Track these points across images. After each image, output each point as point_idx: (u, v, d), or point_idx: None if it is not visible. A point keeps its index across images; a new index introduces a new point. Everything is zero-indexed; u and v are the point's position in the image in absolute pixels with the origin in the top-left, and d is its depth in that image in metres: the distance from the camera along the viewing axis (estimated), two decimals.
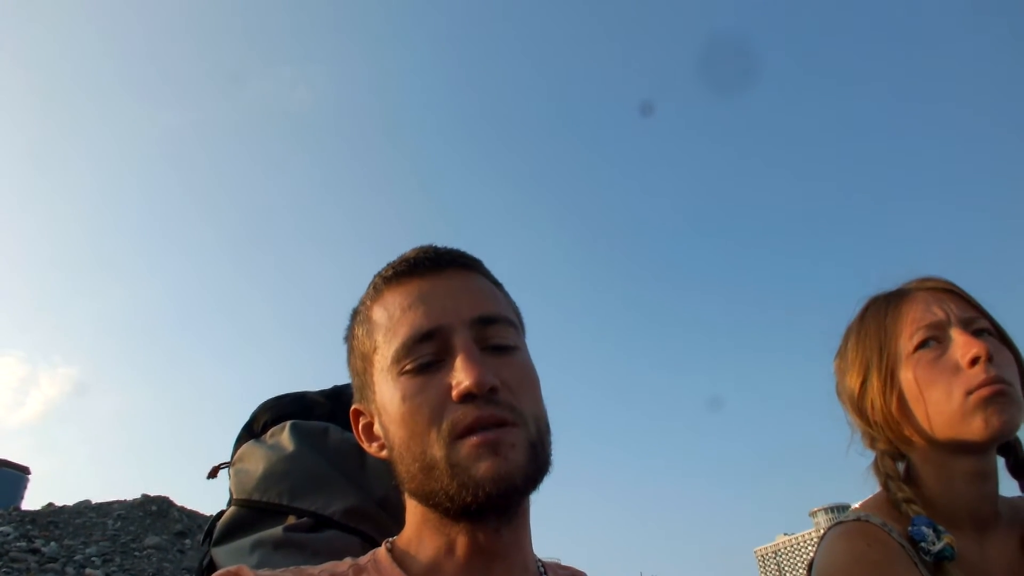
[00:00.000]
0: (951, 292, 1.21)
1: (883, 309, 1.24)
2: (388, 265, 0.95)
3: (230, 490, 1.22)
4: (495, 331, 0.88)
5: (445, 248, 0.95)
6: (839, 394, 1.33)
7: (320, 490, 1.14)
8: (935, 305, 1.18)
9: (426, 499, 0.85)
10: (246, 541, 1.11)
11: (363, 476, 1.17)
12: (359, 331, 0.95)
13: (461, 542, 0.84)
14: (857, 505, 1.25)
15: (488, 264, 1.00)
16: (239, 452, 1.25)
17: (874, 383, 1.21)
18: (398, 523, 0.95)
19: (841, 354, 1.32)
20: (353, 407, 0.97)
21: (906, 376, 1.18)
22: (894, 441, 1.22)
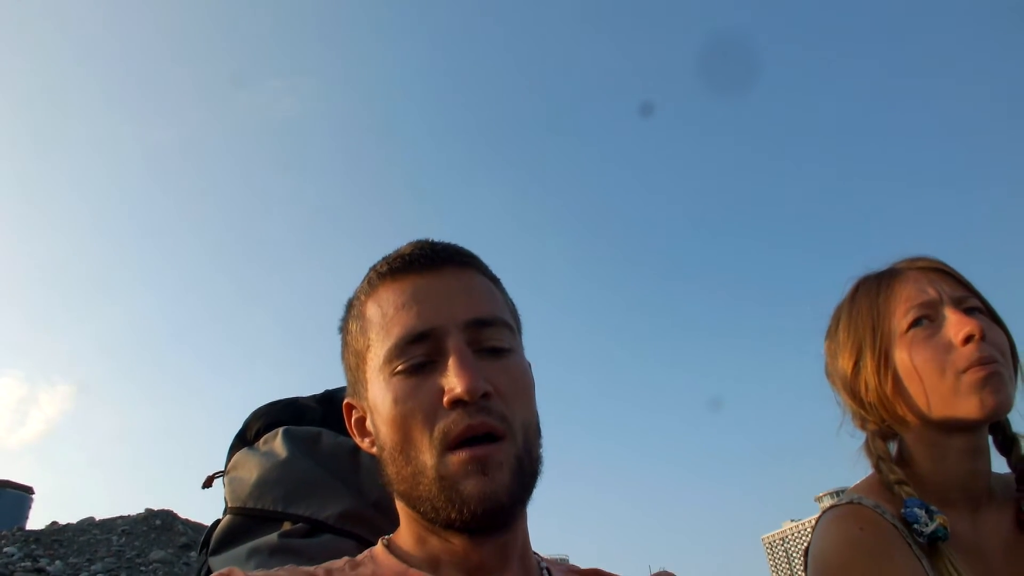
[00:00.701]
0: (941, 271, 1.21)
1: (874, 289, 1.24)
2: (383, 259, 0.94)
3: (225, 499, 1.22)
4: (490, 333, 0.87)
5: (442, 244, 0.94)
6: (829, 375, 1.33)
7: (314, 495, 1.14)
8: (927, 284, 1.19)
9: (413, 505, 0.85)
10: (242, 549, 1.10)
11: (357, 479, 1.17)
12: (353, 326, 0.95)
13: (456, 541, 0.85)
14: (850, 488, 1.26)
15: (487, 263, 0.99)
16: (232, 460, 1.25)
17: (868, 363, 1.21)
18: (393, 525, 0.96)
19: (831, 335, 1.32)
20: (346, 401, 0.97)
21: (900, 355, 1.18)
22: (888, 420, 1.22)
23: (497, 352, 0.87)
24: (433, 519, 0.83)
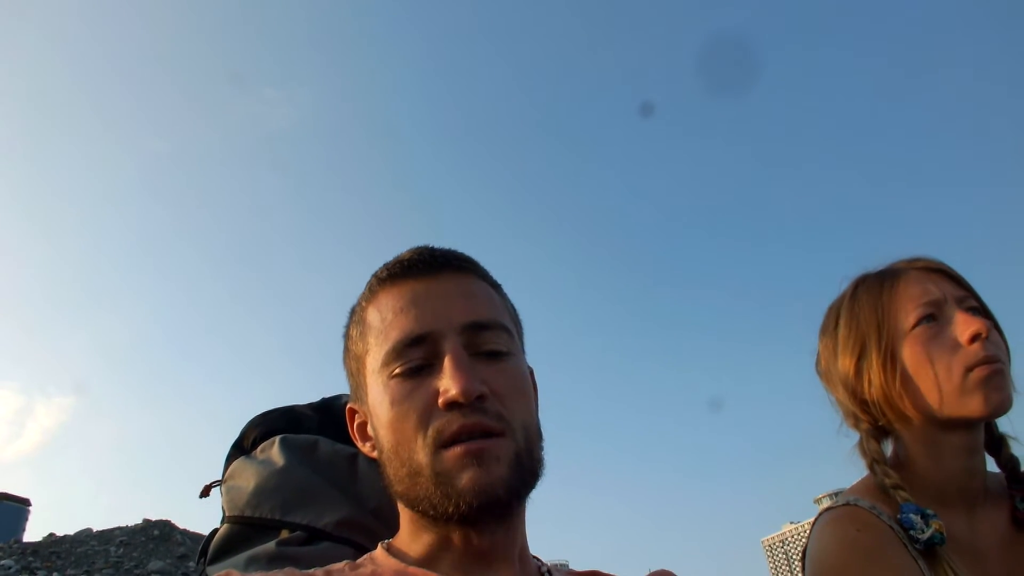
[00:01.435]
0: (942, 272, 1.22)
1: (877, 286, 1.24)
2: (383, 265, 0.95)
3: (223, 507, 1.22)
4: (487, 337, 0.88)
5: (441, 249, 0.95)
6: (823, 373, 1.33)
7: (312, 503, 1.14)
8: (930, 283, 1.20)
9: (412, 504, 0.86)
10: (240, 558, 1.10)
11: (355, 487, 1.17)
12: (354, 331, 0.96)
13: (456, 539, 0.86)
14: (847, 489, 1.26)
15: (487, 268, 0.99)
16: (230, 469, 1.25)
17: (873, 359, 1.21)
18: (391, 532, 0.96)
19: (828, 333, 1.31)
20: (348, 405, 0.98)
21: (907, 351, 1.18)
22: (889, 419, 1.22)
23: (495, 355, 0.88)
24: (432, 516, 0.83)
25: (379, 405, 0.87)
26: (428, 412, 0.83)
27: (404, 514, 0.91)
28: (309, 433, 1.26)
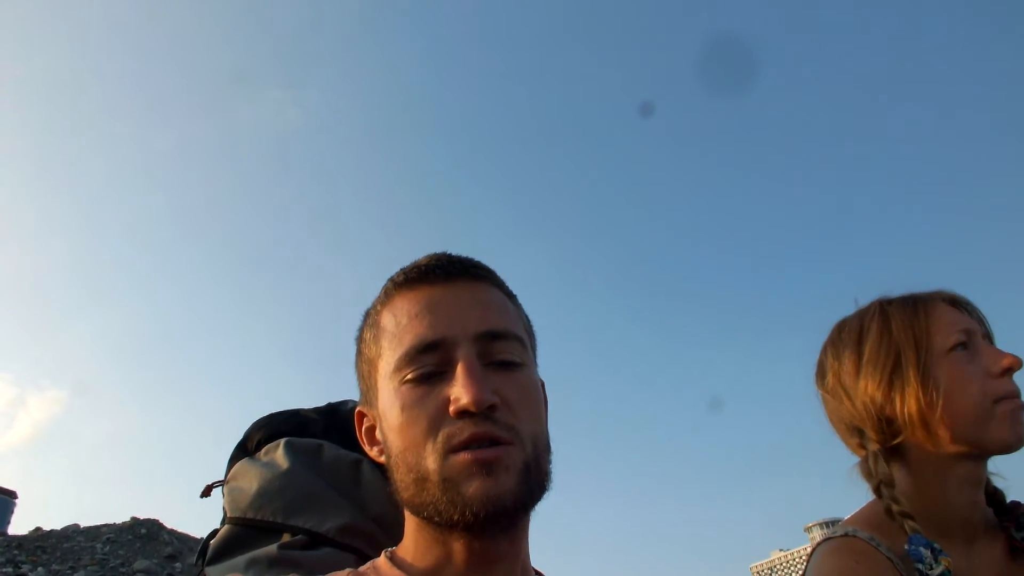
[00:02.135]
0: (967, 306, 1.24)
1: (911, 307, 1.24)
2: (400, 270, 0.95)
3: (224, 508, 1.21)
4: (501, 347, 0.88)
5: (458, 257, 0.95)
6: (829, 387, 1.30)
7: (315, 507, 1.14)
8: (962, 314, 1.22)
9: (418, 510, 0.85)
10: (240, 560, 1.10)
11: (358, 493, 1.16)
12: (367, 335, 0.96)
13: (458, 550, 0.85)
14: (845, 519, 1.25)
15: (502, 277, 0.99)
16: (233, 470, 1.24)
17: (910, 376, 1.19)
18: (393, 541, 0.96)
19: (847, 346, 1.27)
20: (358, 409, 0.98)
21: (944, 372, 1.18)
22: (918, 438, 1.18)
23: (507, 365, 0.88)
24: (438, 522, 0.83)
25: (389, 409, 0.87)
26: (439, 419, 0.83)
27: (409, 521, 0.90)
28: (314, 437, 1.26)
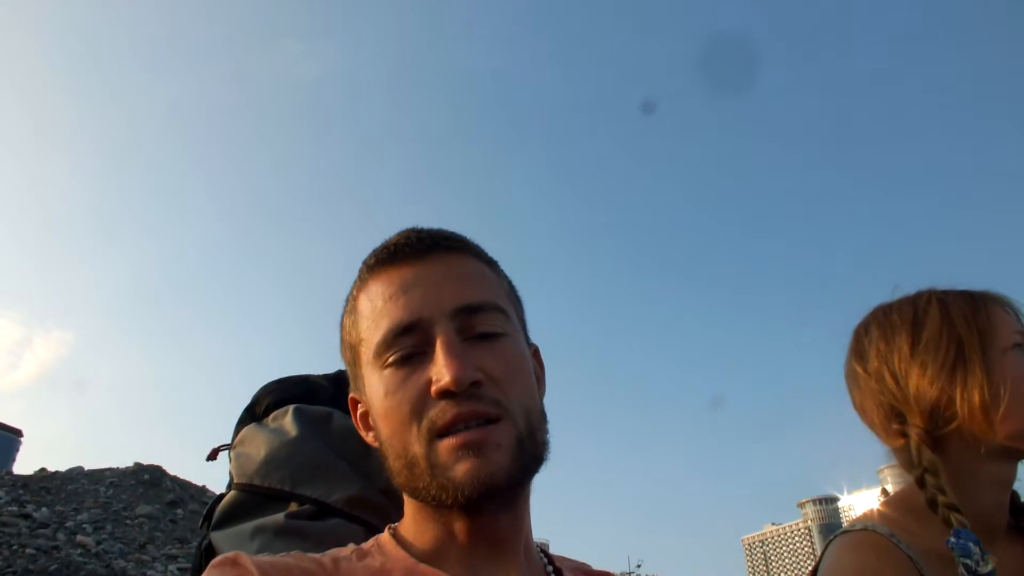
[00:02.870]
0: (1016, 310, 1.23)
1: (970, 301, 1.21)
2: (372, 252, 0.93)
3: (230, 473, 1.20)
4: (481, 319, 0.85)
5: (428, 231, 0.92)
6: (873, 371, 1.24)
7: (323, 477, 1.12)
8: (1011, 316, 1.21)
9: (413, 494, 0.84)
10: (247, 527, 1.09)
11: (367, 464, 1.14)
12: (347, 321, 0.94)
13: (460, 529, 0.84)
14: (863, 512, 1.23)
15: (500, 252, 0.96)
16: (240, 435, 1.23)
17: (975, 366, 1.16)
18: (401, 512, 0.94)
19: (898, 331, 1.23)
20: (351, 395, 0.96)
21: (1008, 369, 1.16)
22: (974, 430, 1.14)
23: (490, 337, 0.85)
24: (434, 505, 0.82)
25: (375, 396, 0.86)
26: (421, 402, 0.81)
27: (408, 503, 0.89)
28: (323, 405, 1.24)
